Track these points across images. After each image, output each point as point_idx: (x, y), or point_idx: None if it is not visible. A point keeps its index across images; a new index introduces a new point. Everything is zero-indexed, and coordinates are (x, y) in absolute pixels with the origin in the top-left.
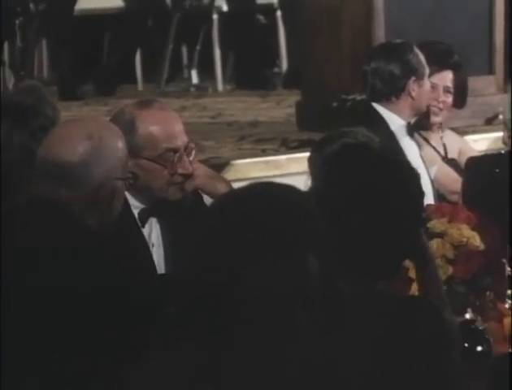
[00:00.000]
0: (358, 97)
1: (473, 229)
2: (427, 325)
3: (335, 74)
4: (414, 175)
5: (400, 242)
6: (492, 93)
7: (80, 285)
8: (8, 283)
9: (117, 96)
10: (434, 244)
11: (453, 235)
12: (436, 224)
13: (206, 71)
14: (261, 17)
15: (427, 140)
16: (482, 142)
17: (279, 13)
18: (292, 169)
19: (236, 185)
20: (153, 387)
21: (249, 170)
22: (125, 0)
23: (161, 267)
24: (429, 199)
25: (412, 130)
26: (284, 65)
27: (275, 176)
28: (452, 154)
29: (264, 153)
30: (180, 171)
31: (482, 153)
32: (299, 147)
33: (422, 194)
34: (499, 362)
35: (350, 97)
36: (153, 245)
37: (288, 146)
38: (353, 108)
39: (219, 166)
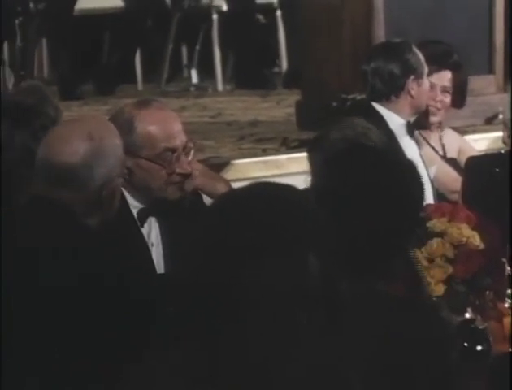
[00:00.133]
0: (358, 97)
1: (473, 229)
2: (426, 325)
3: (335, 73)
4: (415, 175)
5: (400, 242)
6: (492, 93)
7: (80, 285)
8: (8, 283)
9: (117, 95)
10: (434, 243)
11: (452, 234)
12: (436, 224)
13: (206, 71)
14: (261, 17)
15: (426, 140)
16: (482, 142)
17: (278, 12)
18: (293, 169)
19: (235, 185)
20: (152, 387)
21: (249, 169)
22: (125, 0)
23: (160, 267)
24: (428, 199)
25: (412, 129)
26: (284, 65)
27: (275, 176)
28: (451, 153)
29: (264, 152)
30: (178, 170)
31: (482, 153)
32: (299, 147)
33: (423, 194)
34: (499, 362)
35: (350, 96)
36: (152, 245)
37: (289, 146)
38: (352, 107)
39: (219, 165)
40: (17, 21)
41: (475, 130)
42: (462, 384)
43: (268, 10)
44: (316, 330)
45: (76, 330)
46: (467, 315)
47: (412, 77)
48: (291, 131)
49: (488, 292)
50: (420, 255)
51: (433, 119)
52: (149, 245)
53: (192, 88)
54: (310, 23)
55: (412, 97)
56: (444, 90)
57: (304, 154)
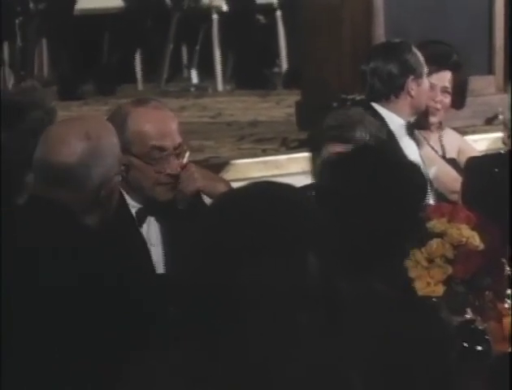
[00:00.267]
0: (358, 97)
1: (473, 229)
2: (426, 325)
3: (335, 73)
4: (415, 175)
5: (400, 242)
6: (492, 93)
7: (79, 285)
8: (7, 283)
9: (117, 95)
10: (434, 244)
11: (452, 235)
12: (436, 224)
13: (206, 71)
14: (261, 17)
15: (425, 140)
16: (482, 142)
17: (278, 13)
18: (292, 169)
19: (235, 185)
20: (152, 388)
21: (248, 170)
22: (125, 0)
23: (160, 267)
24: (428, 199)
25: (411, 129)
26: (284, 65)
27: (274, 176)
28: (451, 154)
29: (264, 153)
30: (167, 171)
31: (482, 153)
32: (299, 147)
33: (423, 194)
34: (498, 362)
35: (350, 96)
36: (152, 245)
37: (288, 146)
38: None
39: (219, 165)
40: (17, 21)
41: (474, 130)
42: (462, 384)
43: (268, 10)
44: (316, 330)
45: (76, 330)
46: (467, 316)
47: (411, 77)
48: (291, 131)
49: (487, 293)
50: (420, 255)
51: (433, 119)
52: (149, 245)
53: (192, 89)
54: (310, 23)
55: (412, 97)
56: (444, 90)
57: (304, 154)
